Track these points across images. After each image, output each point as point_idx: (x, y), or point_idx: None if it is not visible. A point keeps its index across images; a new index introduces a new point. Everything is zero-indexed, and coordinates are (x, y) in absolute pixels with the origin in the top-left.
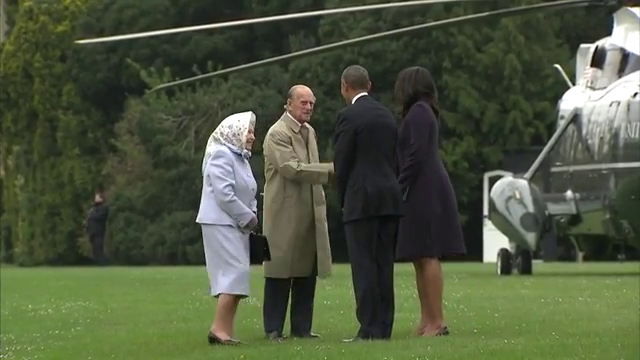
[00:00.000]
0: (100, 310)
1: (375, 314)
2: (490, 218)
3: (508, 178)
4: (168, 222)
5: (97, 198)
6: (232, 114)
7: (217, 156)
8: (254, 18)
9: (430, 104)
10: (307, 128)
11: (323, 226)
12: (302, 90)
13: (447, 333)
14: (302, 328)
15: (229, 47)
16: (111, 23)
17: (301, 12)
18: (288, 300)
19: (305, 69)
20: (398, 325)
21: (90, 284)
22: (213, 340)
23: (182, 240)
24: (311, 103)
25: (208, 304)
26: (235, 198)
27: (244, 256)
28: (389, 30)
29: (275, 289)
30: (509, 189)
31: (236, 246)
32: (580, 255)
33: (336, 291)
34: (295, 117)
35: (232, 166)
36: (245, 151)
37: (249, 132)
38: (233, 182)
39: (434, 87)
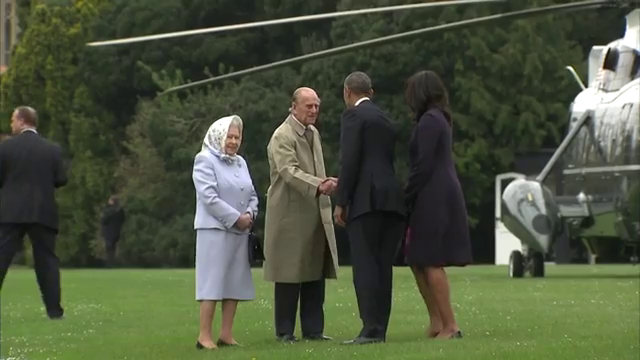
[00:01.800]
0: (112, 312)
1: (379, 312)
2: (502, 220)
3: (520, 180)
4: (180, 224)
5: (110, 200)
6: (242, 116)
7: (197, 161)
8: (266, 20)
9: (442, 109)
10: (312, 130)
11: (332, 228)
12: (306, 93)
13: (460, 336)
14: (313, 330)
15: (241, 49)
16: (123, 25)
17: (313, 14)
18: (298, 303)
19: (317, 71)
20: (410, 327)
21: (102, 286)
22: (200, 347)
23: (194, 242)
24: (316, 106)
25: (219, 307)
26: (217, 200)
27: (226, 260)
28: (401, 32)
29: (285, 293)
30: (521, 191)
31: (218, 250)
32: (593, 257)
33: (348, 293)
34: (300, 120)
35: (212, 168)
36: (224, 155)
37: (229, 137)
38: (214, 184)
39: (444, 89)
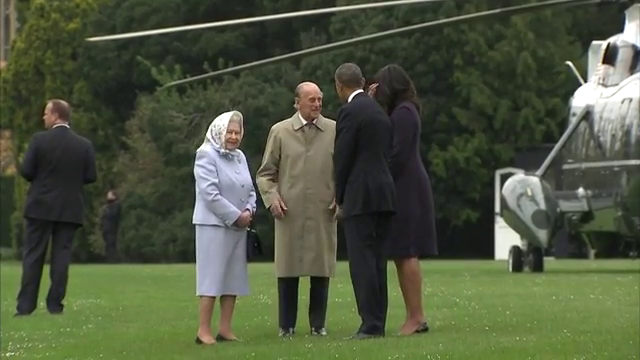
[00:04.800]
0: (111, 307)
1: (378, 308)
2: (502, 215)
3: (520, 175)
4: (179, 220)
5: (110, 195)
6: (242, 112)
7: (199, 156)
8: (265, 15)
9: (411, 101)
10: (315, 126)
11: (316, 224)
12: (308, 88)
13: (426, 329)
14: (313, 325)
15: (240, 44)
16: (122, 20)
17: (312, 9)
18: (295, 298)
19: (316, 66)
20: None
21: (101, 281)
22: (199, 342)
23: (193, 238)
24: (319, 99)
25: (219, 302)
26: (219, 197)
27: (225, 256)
28: (400, 27)
29: (279, 287)
30: (521, 186)
31: (217, 246)
32: (592, 252)
33: (348, 288)
34: (304, 115)
35: (215, 165)
36: (224, 150)
37: (229, 132)
38: (216, 181)
39: (410, 82)
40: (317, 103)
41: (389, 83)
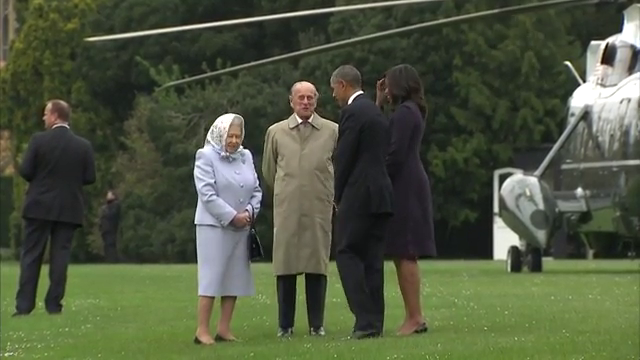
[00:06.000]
0: (110, 308)
1: (370, 304)
2: (500, 215)
3: (518, 175)
4: (178, 220)
5: (109, 196)
6: (240, 112)
7: (197, 157)
8: (263, 15)
9: (417, 102)
10: (311, 124)
11: (311, 221)
12: (300, 86)
13: (425, 329)
14: (311, 325)
15: (238, 45)
16: (121, 21)
17: (311, 9)
18: (293, 297)
19: (315, 66)
20: None
21: (100, 281)
22: (198, 342)
23: (192, 238)
24: (309, 97)
25: (217, 302)
26: (214, 198)
27: (224, 257)
28: (399, 27)
29: (277, 286)
30: (519, 186)
31: (214, 246)
32: (590, 253)
33: None
34: (298, 114)
35: (211, 165)
36: (224, 153)
37: (229, 136)
38: (212, 181)
39: (421, 83)
40: (306, 101)
41: (406, 80)
